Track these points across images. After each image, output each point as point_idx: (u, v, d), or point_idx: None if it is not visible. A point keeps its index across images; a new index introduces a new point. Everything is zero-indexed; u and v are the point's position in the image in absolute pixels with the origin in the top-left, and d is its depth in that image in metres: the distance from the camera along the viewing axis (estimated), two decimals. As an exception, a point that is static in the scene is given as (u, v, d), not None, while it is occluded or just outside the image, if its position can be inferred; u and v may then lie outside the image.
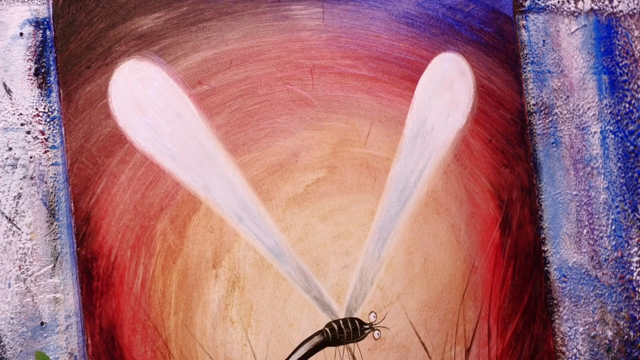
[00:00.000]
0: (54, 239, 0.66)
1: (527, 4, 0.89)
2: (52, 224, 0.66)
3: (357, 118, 0.78)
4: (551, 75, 0.90)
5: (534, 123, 0.89)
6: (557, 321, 0.88)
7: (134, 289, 0.67)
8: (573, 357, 0.89)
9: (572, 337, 0.89)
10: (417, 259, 0.79)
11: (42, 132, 0.66)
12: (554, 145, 0.90)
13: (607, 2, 0.94)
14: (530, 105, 0.89)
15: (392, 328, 0.78)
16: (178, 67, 0.70)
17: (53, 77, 0.66)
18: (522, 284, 0.85)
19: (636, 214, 0.94)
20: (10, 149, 0.65)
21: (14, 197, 0.65)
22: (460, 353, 0.81)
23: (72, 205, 0.65)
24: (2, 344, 0.63)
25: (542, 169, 0.89)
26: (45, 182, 0.66)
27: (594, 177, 0.92)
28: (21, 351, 0.64)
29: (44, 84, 0.66)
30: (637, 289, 0.94)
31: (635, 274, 0.94)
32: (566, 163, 0.90)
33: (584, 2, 0.93)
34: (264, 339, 0.72)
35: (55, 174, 0.66)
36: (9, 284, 0.64)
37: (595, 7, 0.93)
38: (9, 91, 0.65)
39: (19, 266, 0.65)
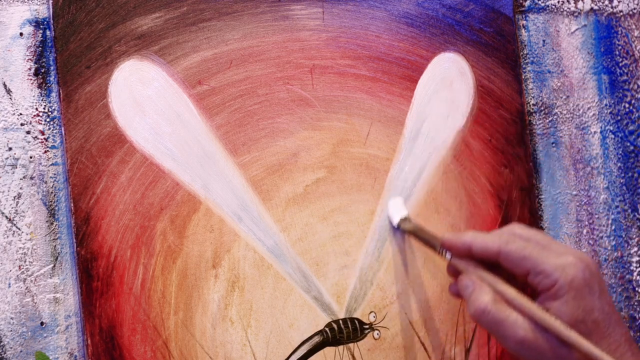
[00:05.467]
0: (54, 239, 0.66)
1: (527, 4, 0.89)
2: (52, 224, 0.66)
3: (357, 118, 0.78)
4: (551, 75, 0.90)
5: (534, 123, 0.89)
6: (557, 321, 0.88)
7: (134, 289, 0.67)
8: (573, 357, 0.89)
9: (572, 337, 0.89)
10: (417, 259, 0.79)
11: (42, 132, 0.66)
12: (554, 145, 0.90)
13: (607, 2, 0.94)
14: (530, 105, 0.89)
15: (392, 328, 0.78)
16: (178, 67, 0.70)
17: (53, 77, 0.67)
18: (522, 284, 0.85)
19: (636, 214, 0.94)
20: (10, 149, 0.65)
21: (14, 197, 0.65)
22: (460, 353, 0.81)
23: (72, 205, 0.65)
24: (2, 344, 0.64)
25: (542, 169, 0.89)
26: (45, 182, 0.66)
27: (594, 177, 0.92)
28: (21, 351, 0.64)
29: (44, 84, 0.66)
30: (637, 289, 0.94)
31: (635, 274, 0.94)
32: (566, 163, 0.90)
33: (584, 2, 0.93)
34: (264, 339, 0.72)
35: (55, 174, 0.66)
36: (9, 284, 0.64)
37: (595, 7, 0.93)
38: (9, 91, 0.65)
39: (19, 266, 0.65)
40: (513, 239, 0.65)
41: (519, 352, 0.62)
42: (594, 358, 0.59)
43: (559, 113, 0.91)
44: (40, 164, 0.66)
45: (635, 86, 0.95)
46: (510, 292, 0.63)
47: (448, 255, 0.69)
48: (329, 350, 0.74)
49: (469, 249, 0.66)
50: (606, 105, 0.93)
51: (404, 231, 0.76)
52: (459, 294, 0.67)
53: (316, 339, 0.74)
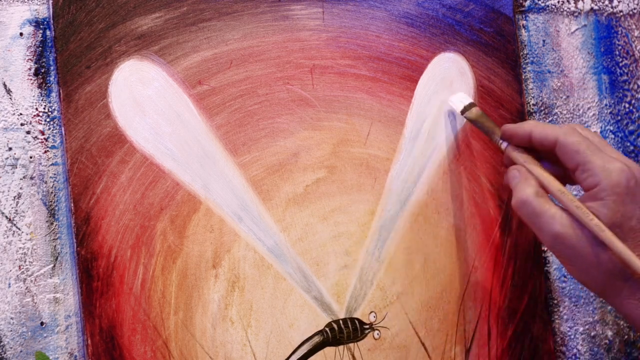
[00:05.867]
0: (54, 239, 0.66)
1: (527, 4, 0.89)
2: (52, 224, 0.66)
3: (357, 118, 0.78)
4: (551, 75, 0.90)
5: (534, 123, 0.89)
6: (557, 321, 0.88)
7: (134, 289, 0.67)
8: (573, 357, 0.89)
9: (572, 337, 0.89)
10: (417, 259, 0.79)
11: (42, 132, 0.66)
12: (554, 145, 0.90)
13: (607, 2, 0.94)
14: (530, 105, 0.89)
15: (392, 328, 0.78)
16: (178, 67, 0.70)
17: (53, 77, 0.67)
18: (522, 284, 0.85)
19: (636, 214, 0.94)
20: (10, 149, 0.65)
21: (14, 197, 0.65)
22: (460, 353, 0.81)
23: (72, 205, 0.65)
24: (2, 344, 0.63)
25: (542, 169, 0.89)
26: (45, 182, 0.66)
27: (594, 177, 0.92)
28: (21, 351, 0.64)
29: (44, 84, 0.66)
30: (637, 289, 0.93)
31: (635, 274, 0.93)
32: (566, 163, 0.90)
33: (584, 2, 0.93)
34: (264, 339, 0.72)
35: (55, 174, 0.66)
36: (9, 284, 0.64)
37: (595, 7, 0.93)
38: (9, 91, 0.65)
39: (19, 266, 0.65)
40: (572, 132, 0.66)
41: (554, 246, 0.64)
42: (625, 259, 0.60)
43: (559, 113, 0.90)
44: (40, 164, 0.66)
45: (635, 86, 0.95)
46: (555, 185, 0.65)
47: (504, 145, 0.72)
48: (329, 350, 0.74)
49: (529, 137, 0.69)
50: (606, 105, 0.93)
51: (467, 119, 0.78)
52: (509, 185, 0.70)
53: (316, 339, 0.74)
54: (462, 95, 0.80)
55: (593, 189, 0.63)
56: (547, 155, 0.69)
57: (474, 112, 0.78)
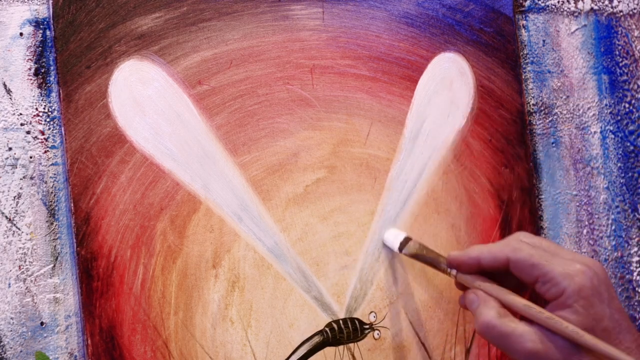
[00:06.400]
0: (54, 239, 0.66)
1: (527, 4, 0.89)
2: (52, 224, 0.66)
3: (357, 118, 0.78)
4: (551, 75, 0.90)
5: (534, 123, 0.89)
6: (557, 321, 0.88)
7: (134, 289, 0.67)
8: (573, 357, 0.89)
9: (572, 337, 0.89)
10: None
11: (42, 132, 0.66)
12: (554, 145, 0.90)
13: (607, 2, 0.94)
14: (530, 105, 0.89)
15: (392, 328, 0.78)
16: (178, 67, 0.70)
17: (53, 77, 0.67)
18: (522, 284, 0.85)
19: (636, 214, 0.94)
20: (10, 149, 0.65)
21: (14, 197, 0.65)
22: (460, 353, 0.81)
23: (72, 205, 0.65)
24: (2, 344, 0.63)
25: (542, 169, 0.89)
26: (45, 182, 0.66)
27: (594, 177, 0.92)
28: (21, 351, 0.64)
29: (44, 84, 0.66)
30: (637, 289, 0.94)
31: (635, 274, 0.94)
32: (566, 163, 0.90)
33: (584, 2, 0.93)
34: (264, 339, 0.72)
35: (55, 174, 0.66)
36: (9, 284, 0.64)
37: (595, 7, 0.93)
38: (9, 91, 0.65)
39: (19, 266, 0.65)
40: (520, 247, 0.64)
41: None
42: (613, 357, 0.58)
43: (559, 113, 0.91)
44: (40, 164, 0.66)
45: (635, 86, 0.95)
46: (519, 301, 0.63)
47: (454, 271, 0.68)
48: (329, 350, 0.74)
49: (478, 263, 0.66)
50: (606, 105, 0.93)
51: (407, 255, 0.75)
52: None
53: (316, 339, 0.74)
54: (394, 231, 0.77)
55: (559, 298, 0.61)
56: (499, 271, 0.66)
57: (412, 246, 0.74)
